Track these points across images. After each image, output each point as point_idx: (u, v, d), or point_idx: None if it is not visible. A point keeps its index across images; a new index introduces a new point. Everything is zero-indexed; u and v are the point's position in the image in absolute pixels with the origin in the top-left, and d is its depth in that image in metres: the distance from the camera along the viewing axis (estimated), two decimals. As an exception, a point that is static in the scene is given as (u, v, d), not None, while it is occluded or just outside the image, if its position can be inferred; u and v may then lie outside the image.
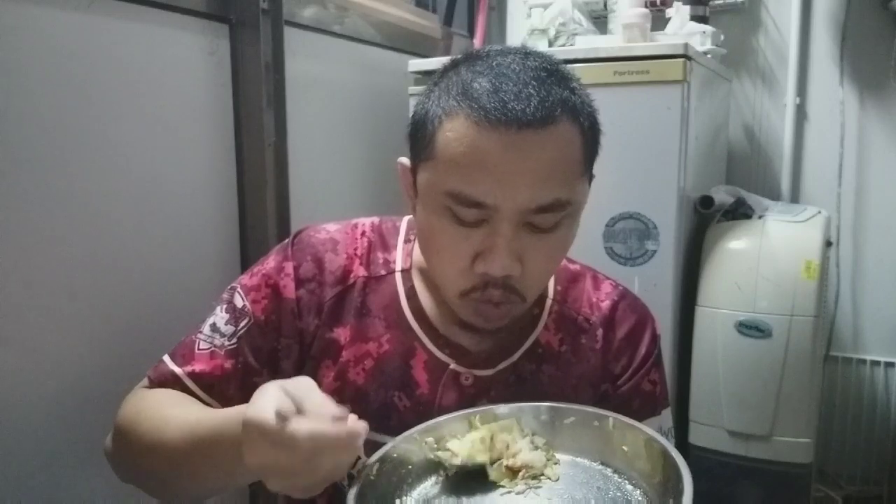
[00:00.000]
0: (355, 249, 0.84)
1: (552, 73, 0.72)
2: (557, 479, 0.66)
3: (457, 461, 0.66)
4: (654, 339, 0.87)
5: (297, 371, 0.83)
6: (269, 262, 0.83)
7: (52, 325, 0.95)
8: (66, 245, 0.96)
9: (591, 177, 0.78)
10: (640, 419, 0.81)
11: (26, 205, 0.91)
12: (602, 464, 0.69)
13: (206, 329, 0.81)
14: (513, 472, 0.67)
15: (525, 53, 0.73)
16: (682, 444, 1.64)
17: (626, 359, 0.85)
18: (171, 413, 0.73)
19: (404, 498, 0.66)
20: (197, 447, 0.67)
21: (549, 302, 0.85)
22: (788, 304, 1.54)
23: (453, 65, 0.75)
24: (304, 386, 0.60)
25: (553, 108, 0.68)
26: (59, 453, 0.96)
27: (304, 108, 1.40)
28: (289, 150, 1.30)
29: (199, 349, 0.80)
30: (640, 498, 0.64)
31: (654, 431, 0.68)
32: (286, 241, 0.86)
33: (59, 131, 0.94)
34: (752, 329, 1.55)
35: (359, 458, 0.61)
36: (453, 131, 0.69)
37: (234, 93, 1.24)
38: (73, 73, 0.96)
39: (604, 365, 0.84)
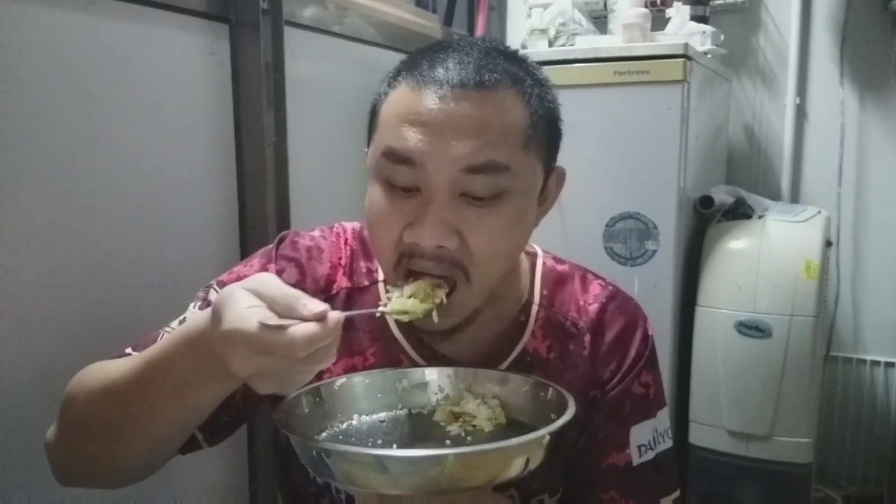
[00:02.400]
0: (339, 259, 0.83)
1: (504, 53, 0.72)
2: (489, 431, 0.70)
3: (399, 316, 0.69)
4: (646, 340, 0.83)
5: None
6: (253, 264, 0.82)
7: (51, 325, 0.95)
8: (64, 245, 0.96)
9: (548, 166, 0.76)
10: (631, 424, 0.80)
11: (26, 205, 0.91)
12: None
13: (174, 323, 0.78)
14: (455, 417, 0.71)
15: (486, 40, 0.74)
16: (682, 444, 1.64)
17: (615, 363, 0.81)
18: (120, 361, 0.69)
19: (362, 418, 0.72)
20: (153, 370, 0.63)
21: (535, 308, 0.82)
22: (788, 304, 1.54)
23: (416, 51, 0.76)
24: (270, 283, 0.57)
25: (490, 73, 0.68)
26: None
27: (304, 108, 1.40)
28: (289, 150, 1.30)
29: (161, 340, 0.75)
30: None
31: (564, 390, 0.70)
32: (270, 245, 0.84)
33: (58, 131, 0.94)
34: (752, 329, 1.56)
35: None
36: (393, 100, 0.70)
37: (234, 93, 1.24)
38: (73, 73, 0.96)
39: (592, 371, 0.81)
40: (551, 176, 0.78)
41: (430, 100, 0.67)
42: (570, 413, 0.63)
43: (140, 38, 1.06)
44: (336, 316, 0.55)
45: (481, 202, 0.68)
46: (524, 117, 0.70)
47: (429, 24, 1.91)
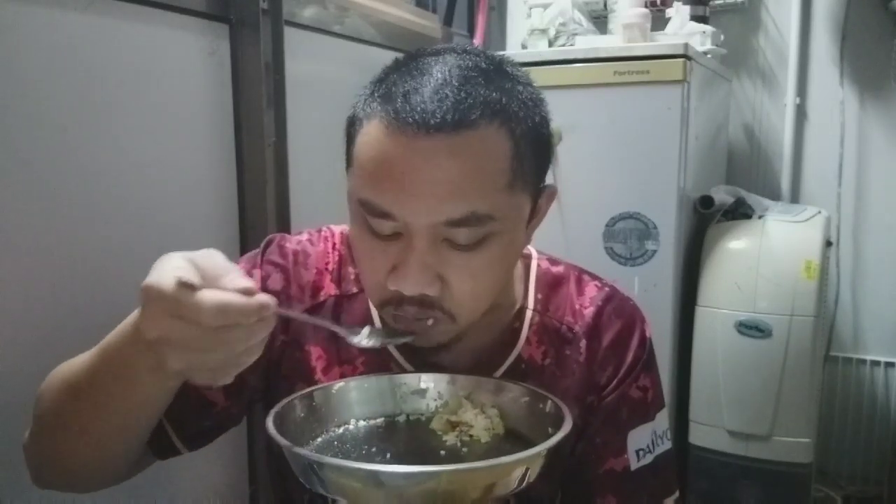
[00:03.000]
0: (326, 264, 0.81)
1: (484, 73, 0.65)
2: (486, 442, 0.68)
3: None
4: (643, 343, 0.81)
5: (266, 389, 0.80)
6: (240, 267, 0.80)
7: (50, 325, 0.95)
8: (64, 245, 0.96)
9: (537, 189, 0.71)
10: (629, 428, 0.79)
11: (25, 205, 0.91)
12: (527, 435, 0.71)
13: None
14: (452, 426, 0.70)
15: (464, 52, 0.68)
16: (682, 444, 1.64)
17: (611, 368, 0.79)
18: (82, 354, 0.68)
19: (359, 423, 0.72)
20: (98, 361, 0.62)
21: (529, 313, 0.80)
22: (788, 304, 1.54)
23: (393, 65, 0.70)
24: (211, 256, 0.56)
25: (470, 110, 0.62)
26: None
27: (304, 108, 1.40)
28: (289, 150, 1.30)
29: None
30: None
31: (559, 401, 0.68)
32: (256, 249, 0.83)
33: (58, 131, 0.94)
34: (752, 329, 1.56)
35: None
36: (366, 135, 0.65)
37: (234, 93, 1.24)
38: (73, 73, 0.96)
39: (589, 376, 0.79)
40: (542, 196, 0.73)
41: (407, 149, 0.62)
42: (566, 429, 0.62)
43: (140, 38, 1.06)
44: (264, 298, 0.53)
45: (465, 247, 0.65)
46: (507, 152, 0.64)
47: (429, 24, 1.91)
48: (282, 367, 0.78)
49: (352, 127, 0.69)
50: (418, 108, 0.61)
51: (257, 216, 1.27)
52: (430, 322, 0.68)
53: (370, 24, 1.62)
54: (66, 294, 0.97)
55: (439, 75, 0.64)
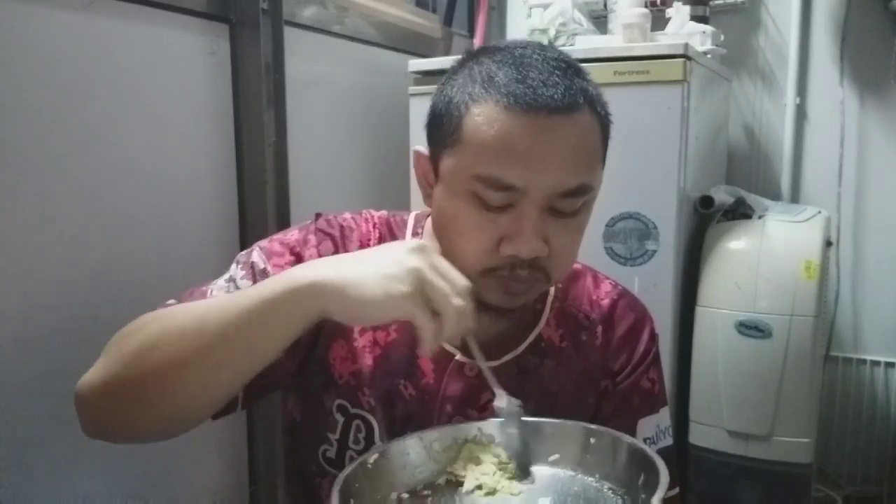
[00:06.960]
0: (368, 239, 0.86)
1: (570, 66, 0.74)
2: (534, 482, 0.68)
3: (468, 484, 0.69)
4: (653, 337, 0.88)
5: (312, 345, 0.82)
6: (293, 234, 0.84)
7: (51, 325, 0.95)
8: (65, 245, 0.96)
9: (603, 166, 0.80)
10: (638, 417, 0.84)
11: (25, 205, 0.91)
12: (586, 473, 0.70)
13: (220, 281, 0.79)
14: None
15: (542, 46, 0.76)
16: (682, 444, 1.64)
17: (625, 356, 0.86)
18: (216, 298, 0.72)
19: (402, 495, 0.68)
20: (260, 303, 0.64)
21: (550, 298, 0.87)
22: (788, 304, 1.54)
23: (471, 56, 0.77)
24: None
25: (577, 95, 0.71)
26: (57, 451, 0.96)
27: (304, 108, 1.40)
28: (289, 150, 1.30)
29: (212, 295, 0.77)
30: (612, 496, 0.66)
31: (632, 438, 0.70)
32: (307, 221, 0.87)
33: (59, 131, 0.94)
34: (752, 329, 1.55)
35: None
36: (482, 116, 0.71)
37: (234, 93, 1.24)
38: (73, 73, 0.96)
39: (603, 362, 0.86)
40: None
41: (527, 127, 0.69)
42: (663, 482, 0.60)
43: (140, 38, 1.06)
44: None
45: (565, 215, 0.74)
46: (598, 133, 0.75)
47: (429, 24, 1.91)
48: (325, 324, 0.80)
49: (452, 110, 0.74)
50: (539, 92, 0.69)
51: (257, 216, 1.27)
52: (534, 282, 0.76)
53: (370, 24, 1.62)
54: (67, 292, 0.97)
55: (538, 65, 0.72)
